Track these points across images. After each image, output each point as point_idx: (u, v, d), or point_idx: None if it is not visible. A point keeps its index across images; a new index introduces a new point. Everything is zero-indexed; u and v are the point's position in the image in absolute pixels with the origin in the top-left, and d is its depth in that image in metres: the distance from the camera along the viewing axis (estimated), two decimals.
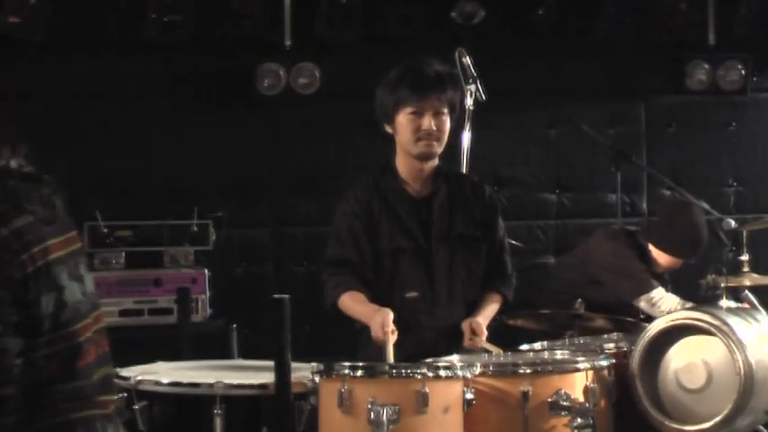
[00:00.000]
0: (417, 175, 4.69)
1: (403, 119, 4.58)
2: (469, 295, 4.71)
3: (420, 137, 4.57)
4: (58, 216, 2.60)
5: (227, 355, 5.90)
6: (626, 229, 6.21)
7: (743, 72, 7.69)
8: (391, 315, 4.34)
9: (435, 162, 4.71)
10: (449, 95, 4.59)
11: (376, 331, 4.35)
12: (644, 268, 5.79)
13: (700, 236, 5.82)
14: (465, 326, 4.55)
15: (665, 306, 5.60)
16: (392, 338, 4.28)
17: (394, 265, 4.62)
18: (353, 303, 4.56)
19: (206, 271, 6.60)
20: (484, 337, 4.51)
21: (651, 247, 5.86)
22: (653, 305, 5.63)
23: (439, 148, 4.63)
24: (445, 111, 4.58)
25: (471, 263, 4.69)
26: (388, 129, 4.68)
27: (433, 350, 4.43)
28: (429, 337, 4.59)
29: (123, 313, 6.45)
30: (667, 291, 5.76)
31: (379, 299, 4.57)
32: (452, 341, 4.59)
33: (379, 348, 4.36)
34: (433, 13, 7.24)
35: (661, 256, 5.85)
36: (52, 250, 2.53)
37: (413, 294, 4.61)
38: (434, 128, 4.56)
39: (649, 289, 5.69)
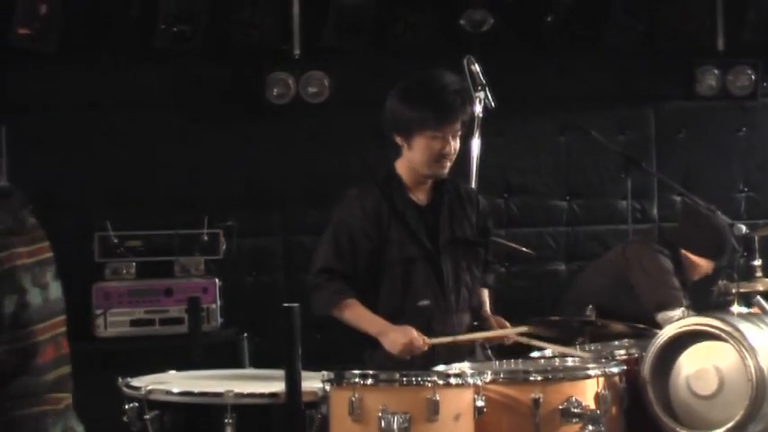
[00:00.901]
0: (422, 185, 4.72)
1: (422, 141, 4.58)
2: (474, 301, 4.77)
3: (437, 159, 4.60)
4: (26, 227, 2.83)
5: (238, 365, 5.93)
6: (665, 239, 6.17)
7: (753, 77, 7.69)
8: (415, 332, 4.41)
9: None
10: (467, 115, 4.67)
11: (403, 347, 4.39)
12: (678, 284, 5.77)
13: (726, 235, 5.83)
14: (492, 322, 4.75)
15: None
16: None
17: (406, 275, 4.61)
18: (362, 312, 4.55)
19: (216, 280, 6.60)
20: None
21: (686, 254, 5.86)
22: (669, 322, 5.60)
23: (449, 168, 4.70)
24: (460, 132, 4.65)
25: (473, 269, 4.74)
26: (398, 139, 4.67)
27: (448, 358, 4.44)
28: (443, 346, 4.56)
29: (134, 323, 6.46)
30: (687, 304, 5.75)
31: (390, 309, 4.57)
32: (464, 348, 4.64)
33: (387, 356, 4.42)
34: (441, 20, 7.25)
35: (698, 261, 5.87)
36: (18, 257, 2.76)
37: (425, 303, 4.61)
38: (452, 151, 4.62)
39: (677, 306, 5.64)
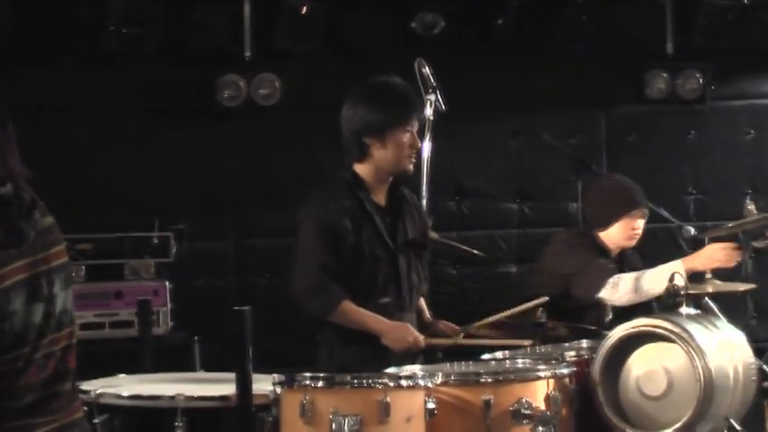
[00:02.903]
0: (383, 187, 4.85)
1: (395, 137, 4.75)
2: (417, 301, 4.97)
3: (410, 153, 4.81)
4: (26, 238, 2.58)
5: (190, 368, 5.88)
6: (579, 229, 6.27)
7: (701, 81, 7.77)
8: (415, 330, 4.69)
9: None
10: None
11: (406, 342, 4.63)
12: (605, 262, 5.78)
13: (622, 186, 5.89)
14: (442, 327, 4.96)
15: (623, 284, 5.57)
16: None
17: (372, 273, 4.74)
18: (361, 312, 4.68)
19: (167, 283, 6.57)
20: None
21: (599, 234, 5.88)
22: (614, 288, 5.60)
23: None
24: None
25: (420, 270, 4.90)
26: (368, 141, 4.76)
27: (401, 360, 4.56)
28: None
29: (84, 327, 6.39)
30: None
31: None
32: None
33: (341, 361, 4.58)
34: (393, 23, 7.26)
35: (608, 235, 5.86)
36: (9, 276, 2.52)
37: (386, 300, 4.75)
38: (419, 145, 4.96)
39: (605, 278, 5.63)
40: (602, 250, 5.86)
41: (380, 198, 4.86)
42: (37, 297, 2.56)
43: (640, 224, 5.87)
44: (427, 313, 5.08)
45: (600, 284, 5.63)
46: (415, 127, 4.84)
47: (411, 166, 4.86)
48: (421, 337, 4.68)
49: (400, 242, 4.82)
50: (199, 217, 7.10)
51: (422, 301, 5.05)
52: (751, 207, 5.38)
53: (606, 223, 5.86)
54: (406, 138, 4.77)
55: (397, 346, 4.64)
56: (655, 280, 5.45)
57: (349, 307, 4.66)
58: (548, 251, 6.03)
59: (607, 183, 6.12)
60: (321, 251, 4.68)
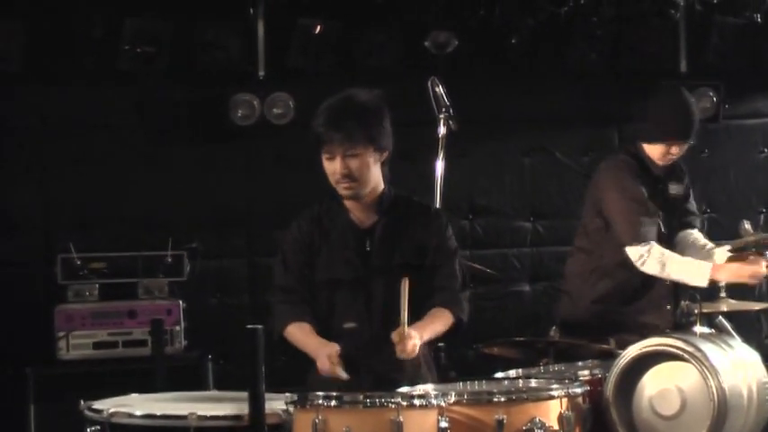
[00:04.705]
0: (358, 205, 4.59)
1: (324, 163, 4.51)
2: (401, 325, 4.42)
3: (336, 180, 4.48)
4: None
5: (202, 387, 5.88)
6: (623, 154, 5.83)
7: (715, 99, 7.75)
8: (337, 349, 4.34)
9: (376, 191, 4.58)
10: (360, 134, 4.43)
11: (323, 364, 4.34)
12: (645, 209, 5.54)
13: (685, 109, 5.63)
14: (393, 336, 4.34)
15: (651, 257, 5.43)
16: (340, 372, 4.28)
17: (330, 296, 4.55)
18: (301, 335, 4.50)
19: (180, 302, 6.58)
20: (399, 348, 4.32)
21: (644, 147, 5.63)
22: (642, 257, 5.46)
23: (362, 189, 4.51)
24: (358, 151, 4.44)
25: (413, 296, 4.34)
26: None
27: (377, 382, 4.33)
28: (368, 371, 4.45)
29: (97, 345, 6.42)
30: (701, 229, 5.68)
31: (319, 328, 4.51)
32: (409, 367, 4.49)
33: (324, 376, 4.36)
34: (406, 42, 7.27)
35: (652, 149, 5.61)
36: None
37: (351, 325, 4.52)
38: (346, 171, 4.45)
39: (640, 241, 5.44)
40: (643, 168, 5.64)
41: (362, 217, 4.58)
42: None
43: (676, 150, 5.61)
44: (419, 322, 4.47)
45: (634, 233, 5.47)
46: (341, 151, 4.40)
47: (347, 192, 4.48)
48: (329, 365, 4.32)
49: (376, 264, 4.53)
50: (212, 235, 7.11)
51: (432, 311, 4.51)
52: (747, 227, 5.34)
53: (653, 139, 5.59)
54: (327, 164, 4.48)
55: (320, 367, 4.38)
56: (680, 270, 5.42)
57: (292, 330, 4.51)
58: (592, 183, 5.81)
59: (667, 100, 5.73)
60: (279, 274, 4.62)
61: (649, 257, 5.43)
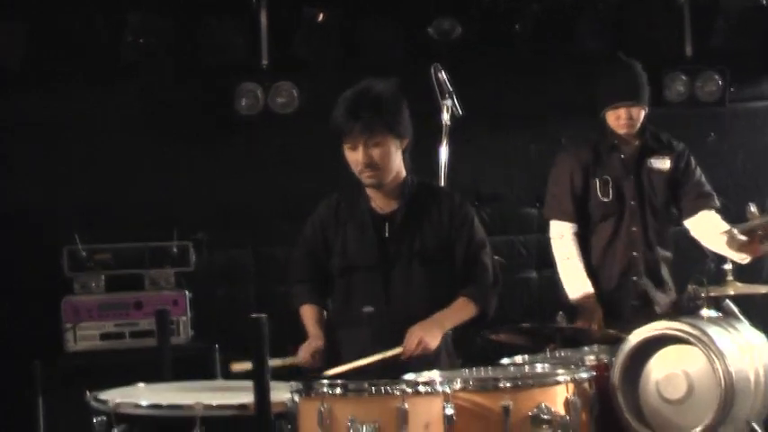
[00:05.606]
0: (379, 193, 4.70)
1: (346, 152, 4.63)
2: (421, 310, 4.61)
3: (360, 170, 4.60)
4: None
5: (210, 377, 5.88)
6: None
7: (720, 83, 7.74)
8: (319, 344, 4.58)
9: (398, 178, 4.69)
10: (380, 123, 4.54)
11: (304, 355, 4.57)
12: (563, 192, 5.88)
13: (627, 73, 5.94)
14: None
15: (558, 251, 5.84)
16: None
17: (349, 281, 4.69)
18: (306, 318, 4.74)
19: (186, 293, 6.58)
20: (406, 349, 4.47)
21: (606, 119, 5.89)
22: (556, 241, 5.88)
23: (385, 177, 4.63)
24: (378, 140, 4.56)
25: (433, 282, 4.63)
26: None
27: (418, 366, 4.42)
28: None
29: (104, 336, 6.43)
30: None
31: (336, 314, 4.72)
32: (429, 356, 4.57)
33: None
34: (410, 30, 7.26)
35: (609, 118, 5.87)
36: None
37: (369, 309, 4.63)
38: (368, 160, 4.56)
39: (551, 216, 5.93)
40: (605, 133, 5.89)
41: (382, 203, 4.70)
42: None
43: (627, 115, 5.86)
44: (441, 311, 4.63)
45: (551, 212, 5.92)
46: (362, 140, 4.53)
47: (371, 181, 4.62)
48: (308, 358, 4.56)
49: (393, 251, 4.63)
50: (217, 226, 7.11)
51: (456, 301, 4.64)
52: (754, 210, 5.34)
53: (601, 108, 5.90)
54: (350, 153, 4.60)
55: (302, 357, 4.62)
56: (565, 281, 5.78)
57: (303, 310, 4.77)
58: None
59: (612, 69, 6.03)
60: (300, 253, 4.85)
61: (562, 243, 5.80)
